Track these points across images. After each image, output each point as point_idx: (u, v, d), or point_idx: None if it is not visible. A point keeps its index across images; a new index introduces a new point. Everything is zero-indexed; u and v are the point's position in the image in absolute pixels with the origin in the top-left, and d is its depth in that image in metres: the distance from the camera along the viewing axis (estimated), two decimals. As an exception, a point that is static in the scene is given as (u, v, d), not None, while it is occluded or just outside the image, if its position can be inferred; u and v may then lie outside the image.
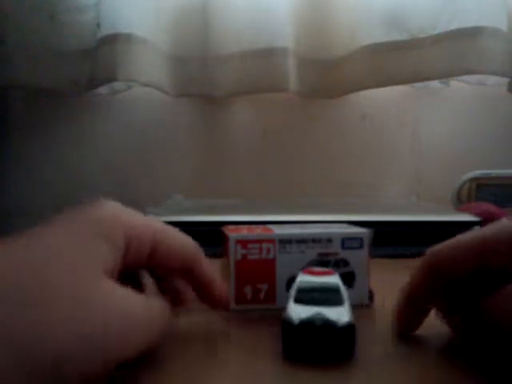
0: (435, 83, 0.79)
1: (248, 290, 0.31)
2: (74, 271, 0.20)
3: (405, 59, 0.73)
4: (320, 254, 0.32)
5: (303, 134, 0.84)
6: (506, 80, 0.74)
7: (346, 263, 0.32)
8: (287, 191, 0.83)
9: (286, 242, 0.32)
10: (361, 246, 0.32)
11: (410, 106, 0.83)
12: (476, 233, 0.25)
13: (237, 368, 0.23)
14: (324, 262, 0.32)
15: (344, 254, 0.32)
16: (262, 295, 0.32)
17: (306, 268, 0.29)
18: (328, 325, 0.23)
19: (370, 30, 0.74)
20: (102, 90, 0.80)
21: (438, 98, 0.81)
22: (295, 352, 0.24)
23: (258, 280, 0.32)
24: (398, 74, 0.74)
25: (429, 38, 0.72)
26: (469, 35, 0.70)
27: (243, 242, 0.31)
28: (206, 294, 0.28)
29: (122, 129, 0.85)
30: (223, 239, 0.33)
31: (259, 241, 0.31)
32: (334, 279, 0.27)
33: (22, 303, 0.18)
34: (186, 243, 0.27)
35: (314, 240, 0.32)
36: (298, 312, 0.24)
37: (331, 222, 0.38)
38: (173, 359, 0.24)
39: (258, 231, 0.33)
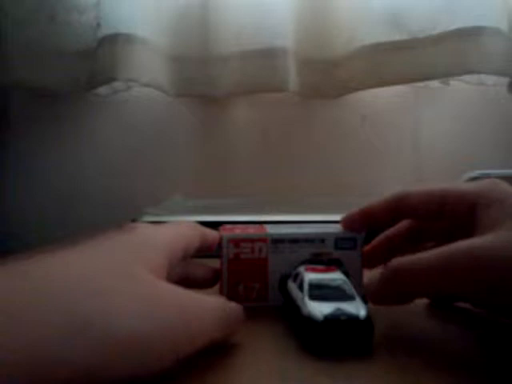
0: (435, 83, 0.78)
1: (241, 288, 0.32)
2: (132, 273, 0.21)
3: (405, 59, 0.73)
4: (313, 254, 0.32)
5: (303, 134, 0.84)
6: (506, 80, 0.74)
7: (339, 263, 0.32)
8: (287, 191, 0.83)
9: (278, 241, 0.32)
10: (354, 247, 0.33)
11: (410, 105, 0.82)
12: (442, 184, 0.30)
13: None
14: (317, 261, 0.32)
15: (337, 255, 0.32)
16: (254, 294, 0.32)
17: (309, 266, 0.29)
18: (352, 319, 0.24)
19: (370, 30, 0.74)
20: (102, 90, 0.80)
21: (438, 98, 0.81)
22: (320, 347, 0.24)
23: (251, 278, 0.32)
24: (398, 73, 0.74)
25: (429, 38, 0.72)
26: (469, 35, 0.69)
27: (236, 241, 0.32)
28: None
29: (122, 129, 0.85)
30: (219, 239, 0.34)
31: (251, 240, 0.32)
32: (340, 275, 0.28)
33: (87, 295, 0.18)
34: (197, 231, 0.30)
35: (307, 240, 0.32)
36: (318, 308, 0.24)
37: (329, 222, 0.38)
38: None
39: (251, 230, 0.33)
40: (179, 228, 0.29)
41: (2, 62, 0.76)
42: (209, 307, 0.23)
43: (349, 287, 0.26)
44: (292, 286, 0.29)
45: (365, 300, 0.34)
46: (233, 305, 0.26)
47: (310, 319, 0.24)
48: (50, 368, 0.16)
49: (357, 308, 0.25)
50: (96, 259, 0.21)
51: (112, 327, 0.18)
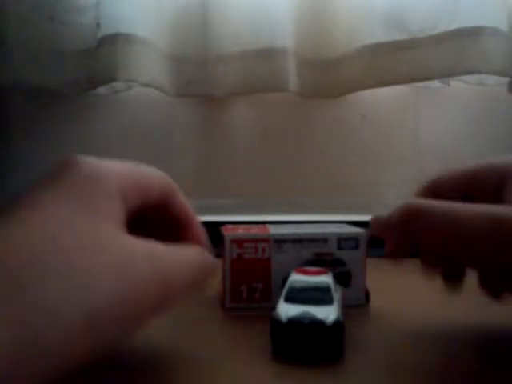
0: (435, 83, 0.78)
1: (243, 288, 0.32)
2: (94, 231, 0.20)
3: (405, 59, 0.73)
4: (315, 254, 0.32)
5: (303, 134, 0.84)
6: (506, 80, 0.74)
7: (342, 263, 0.32)
8: (287, 191, 0.83)
9: (281, 241, 0.32)
10: (357, 247, 0.33)
11: (410, 106, 0.82)
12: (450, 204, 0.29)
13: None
14: (320, 261, 0.32)
15: (340, 254, 0.32)
16: (257, 294, 0.32)
17: (300, 267, 0.29)
18: (315, 323, 0.23)
19: (370, 30, 0.74)
20: (102, 90, 0.80)
21: (438, 97, 0.81)
22: (284, 350, 0.24)
23: (254, 279, 0.32)
24: (398, 73, 0.74)
25: (429, 38, 0.72)
26: (469, 35, 0.69)
27: (238, 242, 0.32)
28: (183, 229, 0.27)
29: (122, 129, 0.85)
30: (222, 239, 0.34)
31: (254, 240, 0.31)
32: (325, 278, 0.27)
33: (46, 272, 0.17)
34: (162, 176, 0.28)
35: (310, 240, 0.32)
36: (286, 311, 0.24)
37: (330, 221, 0.38)
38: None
39: (254, 231, 0.33)
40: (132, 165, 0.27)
41: (1, 62, 0.76)
42: (186, 257, 0.23)
43: (330, 291, 0.26)
44: None
45: (367, 298, 0.34)
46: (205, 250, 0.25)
47: (275, 321, 0.24)
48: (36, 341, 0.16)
49: (327, 313, 0.24)
50: (50, 221, 0.19)
51: (92, 302, 0.17)
